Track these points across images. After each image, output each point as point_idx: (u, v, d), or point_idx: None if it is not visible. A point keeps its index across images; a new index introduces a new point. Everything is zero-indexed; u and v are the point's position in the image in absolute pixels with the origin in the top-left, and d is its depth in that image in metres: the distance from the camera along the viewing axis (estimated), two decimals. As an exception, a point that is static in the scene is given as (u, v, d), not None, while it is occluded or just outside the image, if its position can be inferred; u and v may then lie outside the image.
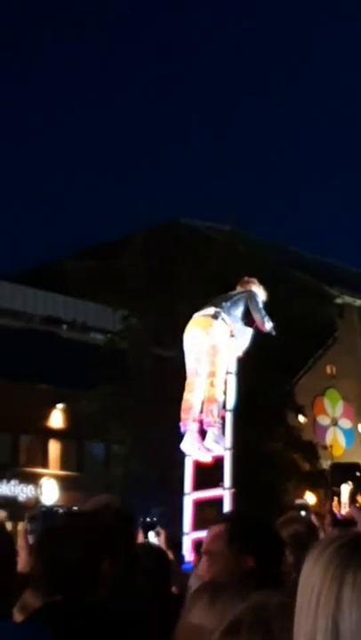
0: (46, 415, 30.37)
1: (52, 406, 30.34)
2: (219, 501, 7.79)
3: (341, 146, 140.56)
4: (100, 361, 26.64)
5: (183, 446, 8.08)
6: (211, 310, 8.16)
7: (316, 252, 45.83)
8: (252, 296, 8.45)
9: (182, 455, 8.20)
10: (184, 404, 8.08)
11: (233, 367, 8.22)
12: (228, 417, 8.05)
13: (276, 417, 28.35)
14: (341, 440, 38.17)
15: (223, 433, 7.99)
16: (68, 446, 31.04)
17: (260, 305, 8.51)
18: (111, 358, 26.61)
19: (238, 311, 8.27)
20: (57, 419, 30.62)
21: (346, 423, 38.93)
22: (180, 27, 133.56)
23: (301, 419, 32.46)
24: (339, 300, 41.03)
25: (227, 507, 7.66)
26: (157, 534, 5.86)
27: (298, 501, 6.30)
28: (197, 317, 8.23)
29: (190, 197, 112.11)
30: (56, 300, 35.40)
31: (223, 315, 8.10)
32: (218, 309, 8.13)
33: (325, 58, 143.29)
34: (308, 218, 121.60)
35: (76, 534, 3.11)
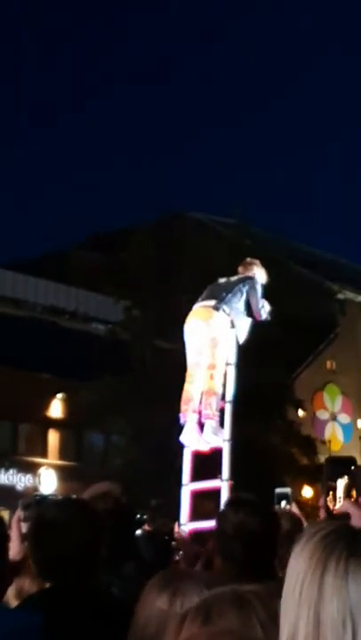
0: (46, 405, 30.39)
1: (52, 396, 30.35)
2: (217, 493, 7.79)
3: (346, 141, 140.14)
4: (101, 351, 26.66)
5: (183, 438, 8.10)
6: (211, 302, 8.14)
7: (319, 247, 45.75)
8: (253, 284, 8.42)
9: (182, 447, 8.22)
10: (184, 395, 8.09)
11: (233, 358, 8.19)
12: (228, 408, 8.04)
13: (275, 411, 28.39)
14: (340, 435, 38.20)
15: (222, 425, 7.99)
16: (68, 436, 31.06)
17: (260, 293, 8.49)
18: (112, 349, 26.63)
19: (239, 302, 8.25)
20: (57, 408, 30.64)
21: (345, 418, 38.97)
22: (183, 18, 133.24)
23: (301, 413, 32.50)
24: (340, 296, 41.04)
25: (224, 498, 7.64)
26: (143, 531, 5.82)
27: (278, 490, 6.11)
28: (198, 308, 8.21)
29: (196, 191, 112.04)
30: (58, 289, 35.40)
31: (224, 306, 8.09)
32: (218, 301, 8.12)
33: (328, 50, 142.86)
34: (311, 214, 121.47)
35: (71, 521, 3.12)
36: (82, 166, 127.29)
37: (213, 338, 8.02)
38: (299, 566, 1.57)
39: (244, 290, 8.32)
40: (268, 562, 3.28)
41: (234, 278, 8.50)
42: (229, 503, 3.73)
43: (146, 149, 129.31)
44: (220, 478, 7.85)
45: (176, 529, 5.16)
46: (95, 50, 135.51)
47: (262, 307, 8.52)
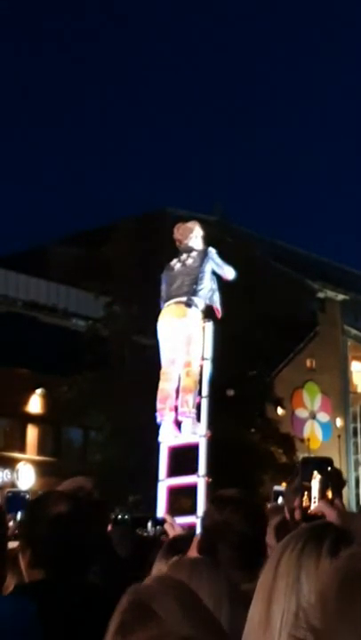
0: (25, 400, 30.30)
1: (31, 391, 30.27)
2: (194, 490, 7.76)
3: (331, 143, 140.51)
4: (80, 347, 26.60)
5: (161, 438, 8.08)
6: (183, 298, 8.08)
7: (300, 246, 45.86)
8: (209, 256, 8.33)
9: (159, 444, 8.20)
10: (160, 394, 8.04)
11: (209, 353, 8.14)
12: (204, 404, 7.99)
13: (254, 408, 28.43)
14: (319, 433, 38.33)
15: (199, 420, 7.96)
16: (46, 431, 31.00)
17: (217, 259, 8.42)
18: (92, 345, 26.58)
19: (208, 282, 8.17)
20: (36, 404, 30.56)
21: (323, 417, 39.09)
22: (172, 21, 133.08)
23: (280, 411, 32.56)
24: (321, 295, 41.14)
25: (201, 495, 7.63)
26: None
27: (276, 488, 6.14)
28: (170, 305, 8.13)
29: (178, 188, 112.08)
30: (38, 284, 35.30)
31: (196, 300, 8.04)
32: (190, 295, 8.05)
33: (319, 51, 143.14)
34: (292, 212, 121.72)
35: (50, 514, 3.12)
36: (63, 163, 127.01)
37: (188, 335, 7.98)
38: (284, 558, 1.61)
39: (206, 268, 8.23)
40: (255, 560, 3.26)
41: (189, 261, 8.30)
42: (213, 501, 3.70)
43: (127, 146, 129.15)
44: (197, 474, 7.82)
45: (168, 519, 5.10)
46: (80, 46, 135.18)
47: (226, 267, 8.45)
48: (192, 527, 6.47)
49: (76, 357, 25.86)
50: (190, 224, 8.69)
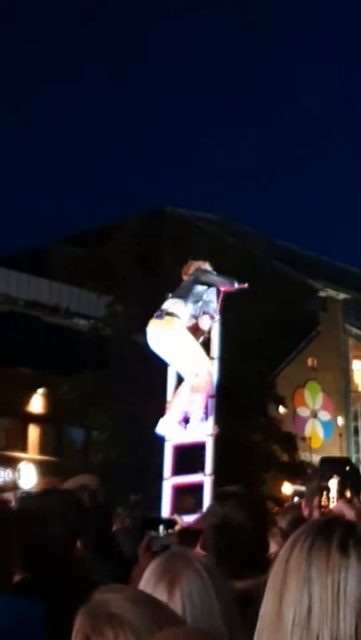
0: (27, 399, 30.29)
1: (33, 391, 30.26)
2: (199, 488, 7.76)
3: (333, 142, 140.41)
4: (82, 347, 26.58)
5: (159, 429, 8.09)
6: (157, 312, 8.14)
7: (302, 245, 45.82)
8: (201, 272, 8.35)
9: (162, 443, 8.21)
10: (174, 394, 8.12)
11: (216, 352, 8.22)
12: (211, 403, 8.02)
13: (256, 407, 28.42)
14: (320, 432, 38.31)
15: (206, 419, 7.98)
16: (48, 431, 30.98)
17: (213, 273, 8.41)
18: (94, 344, 26.57)
19: (192, 300, 8.19)
20: (37, 403, 30.55)
21: (325, 415, 39.08)
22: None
23: (281, 410, 32.54)
24: (322, 294, 41.11)
25: (207, 493, 7.63)
26: None
27: (295, 487, 6.20)
28: (152, 320, 8.20)
29: (179, 187, 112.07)
30: (40, 284, 35.28)
31: (169, 309, 8.06)
32: (174, 309, 8.08)
33: (320, 49, 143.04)
34: (294, 211, 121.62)
35: (49, 513, 3.12)
36: (64, 163, 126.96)
37: (169, 342, 8.03)
38: (293, 556, 1.61)
39: (197, 288, 8.23)
40: (257, 555, 3.25)
41: (184, 283, 8.37)
42: (215, 497, 3.71)
43: (129, 146, 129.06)
44: (204, 473, 7.82)
45: (179, 521, 5.07)
46: (80, 45, 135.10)
47: (226, 279, 8.46)
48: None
49: (77, 357, 25.85)
50: (192, 262, 8.65)
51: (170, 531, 3.04)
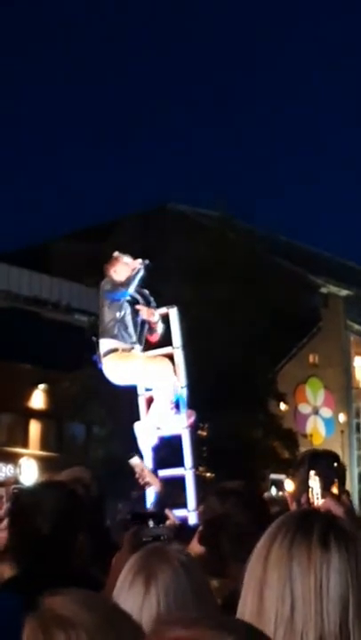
0: (28, 395, 30.31)
1: (34, 386, 30.27)
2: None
3: (335, 137, 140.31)
4: (83, 343, 26.52)
5: (135, 430, 8.09)
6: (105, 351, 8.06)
7: (303, 241, 45.75)
8: (105, 283, 8.23)
9: (162, 437, 8.17)
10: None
11: (178, 342, 7.98)
12: (184, 393, 7.80)
13: (257, 404, 28.40)
14: (321, 429, 38.29)
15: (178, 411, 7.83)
16: (49, 427, 31.00)
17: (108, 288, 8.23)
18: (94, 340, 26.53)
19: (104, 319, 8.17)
20: (38, 399, 30.55)
21: (326, 412, 39.05)
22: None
23: (283, 406, 32.51)
24: (324, 290, 41.08)
25: (190, 487, 7.51)
26: None
27: (272, 476, 6.08)
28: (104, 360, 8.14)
29: (180, 183, 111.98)
30: (41, 280, 35.29)
31: (112, 343, 7.98)
32: (110, 345, 8.02)
33: (320, 47, 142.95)
34: (295, 207, 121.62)
35: (47, 505, 3.10)
36: (65, 159, 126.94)
37: (124, 375, 8.12)
38: (273, 550, 1.60)
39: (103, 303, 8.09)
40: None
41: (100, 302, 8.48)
42: (215, 493, 3.68)
43: (130, 142, 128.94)
44: (184, 467, 7.67)
45: (170, 516, 5.06)
46: (80, 45, 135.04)
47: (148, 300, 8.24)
48: (184, 520, 6.45)
49: (78, 353, 25.82)
50: (117, 256, 8.52)
51: (161, 525, 3.02)
